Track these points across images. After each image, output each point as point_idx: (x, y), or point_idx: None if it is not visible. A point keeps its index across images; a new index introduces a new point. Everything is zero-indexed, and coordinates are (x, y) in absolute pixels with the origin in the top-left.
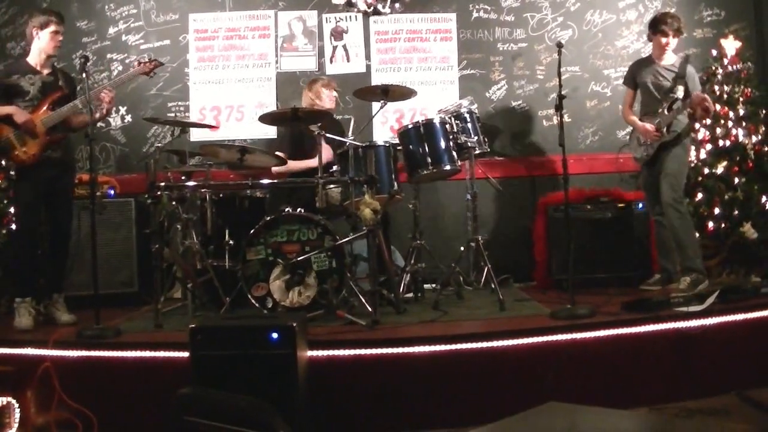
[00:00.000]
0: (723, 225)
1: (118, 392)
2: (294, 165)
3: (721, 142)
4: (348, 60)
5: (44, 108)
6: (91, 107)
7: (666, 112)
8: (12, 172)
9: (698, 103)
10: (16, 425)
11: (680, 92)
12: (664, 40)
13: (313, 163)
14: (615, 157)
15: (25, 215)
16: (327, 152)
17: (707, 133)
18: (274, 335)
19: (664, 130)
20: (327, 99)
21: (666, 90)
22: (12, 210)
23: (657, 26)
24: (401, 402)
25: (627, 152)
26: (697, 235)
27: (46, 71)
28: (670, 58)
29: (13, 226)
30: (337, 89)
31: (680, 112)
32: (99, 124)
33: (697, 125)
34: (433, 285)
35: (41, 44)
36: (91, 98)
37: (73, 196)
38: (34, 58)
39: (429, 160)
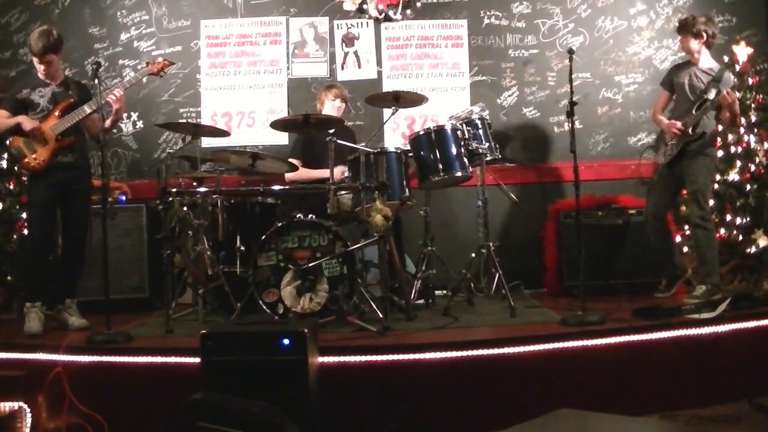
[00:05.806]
0: (734, 232)
1: (129, 397)
2: (305, 174)
3: (732, 149)
4: (359, 66)
5: (54, 116)
6: (102, 114)
7: (694, 111)
8: (24, 178)
9: (728, 102)
10: (27, 430)
11: (712, 94)
12: (683, 44)
13: (324, 173)
14: (629, 163)
15: (37, 220)
16: (338, 169)
17: (719, 139)
18: (285, 341)
19: (689, 129)
20: (330, 108)
21: (700, 91)
22: (24, 215)
23: (678, 31)
24: (411, 408)
25: (649, 157)
26: None
27: (55, 82)
28: (708, 62)
29: (26, 231)
30: (347, 96)
31: (708, 110)
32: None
33: (720, 127)
34: (444, 291)
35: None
36: (102, 104)
37: (89, 202)
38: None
39: (440, 166)
